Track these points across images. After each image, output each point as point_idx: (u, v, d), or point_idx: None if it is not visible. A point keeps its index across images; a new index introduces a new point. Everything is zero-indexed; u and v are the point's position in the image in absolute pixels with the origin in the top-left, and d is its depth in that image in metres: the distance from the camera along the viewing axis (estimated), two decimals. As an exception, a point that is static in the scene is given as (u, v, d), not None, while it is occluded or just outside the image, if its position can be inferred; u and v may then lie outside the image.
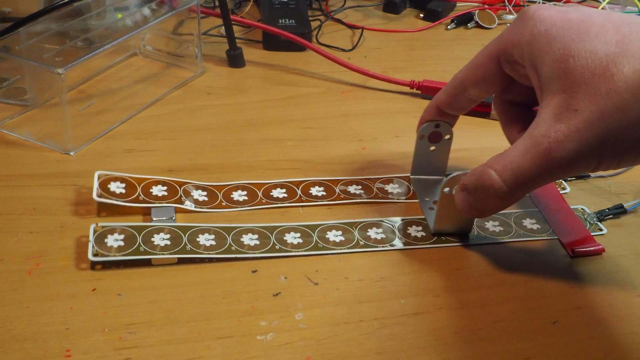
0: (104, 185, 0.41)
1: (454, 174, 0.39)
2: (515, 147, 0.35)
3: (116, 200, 0.41)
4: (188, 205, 0.42)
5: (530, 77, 0.36)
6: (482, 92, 0.41)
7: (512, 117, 0.41)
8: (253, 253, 0.39)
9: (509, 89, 0.41)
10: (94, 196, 0.40)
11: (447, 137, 0.45)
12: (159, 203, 0.41)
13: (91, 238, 0.38)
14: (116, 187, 0.42)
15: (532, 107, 0.41)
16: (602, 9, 0.74)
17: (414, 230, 0.42)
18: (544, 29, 0.35)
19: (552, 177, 0.35)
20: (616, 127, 0.32)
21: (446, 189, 0.40)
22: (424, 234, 0.42)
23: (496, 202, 0.36)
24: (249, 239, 0.40)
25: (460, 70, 0.41)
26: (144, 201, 0.41)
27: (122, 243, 0.38)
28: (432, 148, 0.46)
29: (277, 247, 0.40)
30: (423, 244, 0.41)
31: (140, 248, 0.38)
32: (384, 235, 0.42)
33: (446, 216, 0.41)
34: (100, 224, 0.38)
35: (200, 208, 0.42)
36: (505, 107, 0.42)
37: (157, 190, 0.42)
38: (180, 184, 0.43)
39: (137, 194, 0.42)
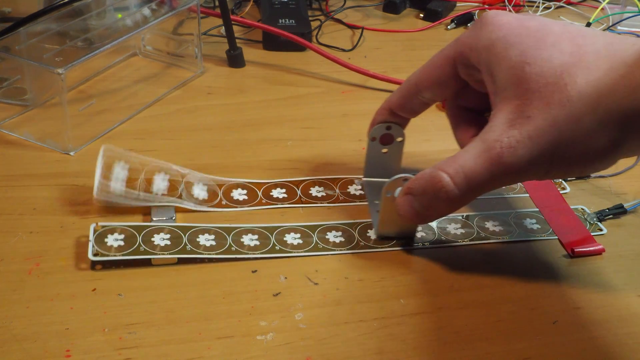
0: (108, 164, 0.41)
1: (396, 176, 0.38)
2: (467, 150, 0.35)
3: (117, 187, 0.40)
4: (188, 205, 0.42)
5: (485, 82, 0.36)
6: (436, 96, 0.41)
7: (464, 123, 0.41)
8: (253, 254, 0.39)
9: (462, 94, 0.41)
10: (97, 177, 0.39)
11: (399, 139, 0.44)
12: (159, 198, 0.41)
13: (91, 237, 0.38)
14: (120, 168, 0.41)
15: (484, 113, 0.41)
16: (602, 9, 0.74)
17: (414, 230, 0.42)
18: (502, 34, 0.35)
19: (503, 183, 0.35)
20: (567, 136, 0.32)
21: (388, 193, 0.39)
22: (424, 235, 0.42)
23: (445, 206, 0.36)
24: (249, 240, 0.40)
25: (415, 72, 0.41)
26: (145, 190, 0.41)
27: (122, 243, 0.38)
28: (385, 150, 0.45)
29: (277, 247, 0.40)
30: (423, 245, 0.41)
31: (141, 248, 0.38)
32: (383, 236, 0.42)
33: (390, 220, 0.40)
34: (100, 224, 0.38)
35: (200, 207, 0.42)
36: (458, 112, 0.42)
37: (159, 180, 0.42)
38: (183, 176, 0.43)
39: (139, 181, 0.41)
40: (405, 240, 0.41)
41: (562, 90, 0.32)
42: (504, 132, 0.34)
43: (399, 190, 0.38)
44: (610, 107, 0.31)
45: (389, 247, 0.41)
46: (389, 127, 0.44)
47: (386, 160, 0.45)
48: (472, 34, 0.37)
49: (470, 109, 0.41)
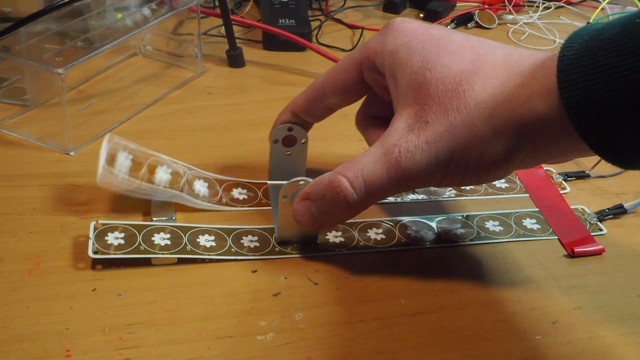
0: (112, 154, 0.40)
1: (292, 180, 0.37)
2: (366, 154, 0.35)
3: (121, 174, 0.39)
4: (187, 199, 0.42)
5: (389, 87, 0.36)
6: (341, 101, 0.40)
7: (372, 128, 0.41)
8: (253, 255, 0.39)
9: (371, 103, 0.41)
10: (101, 163, 0.39)
11: (302, 141, 0.43)
12: (161, 190, 0.41)
13: (91, 235, 0.37)
14: (124, 158, 0.41)
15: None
16: (602, 9, 0.74)
17: (414, 231, 0.42)
18: (406, 40, 0.35)
19: (401, 188, 0.35)
20: (463, 142, 0.33)
21: (285, 197, 0.38)
22: (424, 235, 0.42)
23: (344, 211, 0.36)
24: (248, 241, 0.40)
25: (321, 75, 0.40)
26: (148, 181, 0.41)
27: (122, 241, 0.38)
28: (288, 152, 0.44)
29: (276, 249, 0.40)
30: (423, 245, 0.41)
31: (141, 247, 0.37)
32: (383, 236, 0.42)
33: (289, 224, 0.39)
34: (100, 221, 0.38)
35: (201, 203, 0.42)
36: (368, 121, 0.42)
37: (162, 173, 0.42)
38: (185, 171, 0.43)
39: (142, 172, 0.41)
40: (306, 245, 0.40)
41: (460, 96, 0.33)
42: (402, 137, 0.34)
43: (297, 193, 0.37)
44: (504, 115, 0.32)
45: (389, 246, 0.41)
46: (291, 128, 0.43)
47: (291, 162, 0.44)
48: (378, 39, 0.37)
49: (380, 118, 0.41)
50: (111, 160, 0.40)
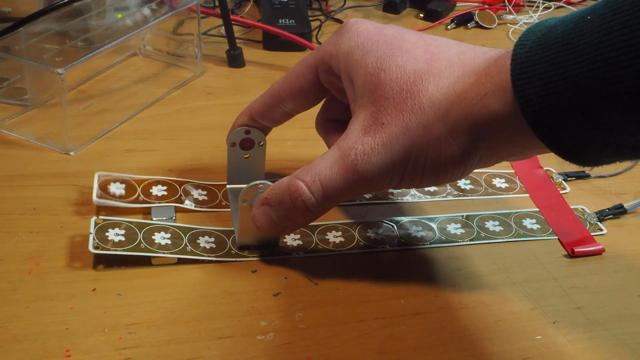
0: (103, 186, 0.41)
1: (251, 183, 0.37)
2: (323, 158, 0.35)
3: (116, 202, 0.41)
4: (188, 204, 0.42)
5: (345, 89, 0.36)
6: (298, 106, 0.40)
7: (333, 132, 0.41)
8: (253, 257, 0.39)
9: (330, 106, 0.41)
10: (94, 197, 0.40)
11: (260, 143, 0.43)
12: (159, 203, 0.41)
13: (92, 230, 0.37)
14: (116, 188, 0.42)
15: None
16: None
17: (414, 231, 0.42)
18: (360, 41, 0.35)
19: (358, 191, 0.35)
20: (419, 142, 0.32)
21: (244, 201, 0.37)
22: (424, 235, 0.42)
23: (303, 216, 0.35)
24: (249, 240, 0.40)
25: (278, 80, 0.40)
26: (143, 201, 0.41)
27: (122, 238, 0.38)
28: (247, 155, 0.43)
29: (276, 249, 0.40)
30: (423, 245, 0.41)
31: (141, 245, 0.37)
32: (383, 236, 0.42)
33: (248, 229, 0.38)
34: (101, 217, 0.38)
35: (200, 207, 0.42)
36: (327, 125, 0.41)
37: (157, 190, 0.42)
38: (180, 184, 0.43)
39: (137, 194, 0.42)
40: (269, 248, 0.40)
41: (415, 97, 0.32)
42: (358, 140, 0.33)
43: (256, 197, 0.37)
44: (459, 114, 0.31)
45: (389, 246, 0.41)
46: (248, 131, 0.42)
47: (250, 165, 0.44)
48: (332, 41, 0.37)
49: (340, 121, 0.40)
50: (104, 192, 0.41)
